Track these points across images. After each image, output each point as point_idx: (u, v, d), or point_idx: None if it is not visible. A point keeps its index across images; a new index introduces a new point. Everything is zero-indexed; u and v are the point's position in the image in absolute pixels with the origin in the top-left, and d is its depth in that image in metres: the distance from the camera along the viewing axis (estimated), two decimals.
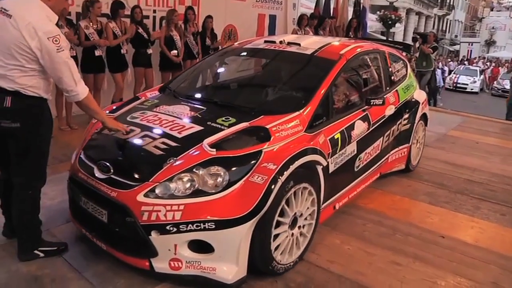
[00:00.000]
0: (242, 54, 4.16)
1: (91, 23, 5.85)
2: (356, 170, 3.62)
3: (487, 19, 51.96)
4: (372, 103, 3.53)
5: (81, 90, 2.58)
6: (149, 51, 6.58)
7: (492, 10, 55.22)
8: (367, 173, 3.91)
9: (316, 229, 3.04)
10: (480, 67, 27.68)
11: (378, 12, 20.50)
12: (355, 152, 3.47)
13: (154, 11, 7.38)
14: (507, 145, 6.99)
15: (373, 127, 3.73)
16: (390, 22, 19.39)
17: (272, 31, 9.17)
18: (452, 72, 24.86)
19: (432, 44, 9.51)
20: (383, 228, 3.56)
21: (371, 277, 2.87)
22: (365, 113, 3.61)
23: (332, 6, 10.89)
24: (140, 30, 6.39)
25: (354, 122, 3.43)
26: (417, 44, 9.67)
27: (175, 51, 6.74)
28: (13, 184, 2.69)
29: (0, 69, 2.46)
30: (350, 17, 10.51)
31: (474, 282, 2.92)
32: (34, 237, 2.79)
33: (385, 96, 4.00)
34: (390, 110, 4.08)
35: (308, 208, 2.86)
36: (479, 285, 2.90)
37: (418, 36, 10.52)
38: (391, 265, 3.04)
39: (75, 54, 5.70)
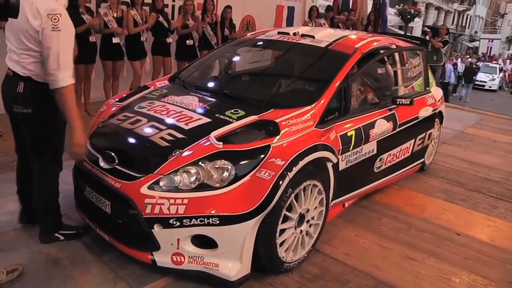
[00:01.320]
0: (255, 45, 4.06)
1: (110, 10, 5.89)
2: (377, 171, 3.54)
3: (510, 15, 50.90)
4: (398, 102, 3.44)
5: (62, 77, 2.40)
6: (169, 40, 6.61)
7: None
8: (392, 175, 3.84)
9: (323, 229, 2.98)
10: (500, 64, 27.21)
11: (397, 6, 20.25)
12: (375, 152, 3.38)
13: (173, 0, 7.40)
14: None
15: (401, 128, 3.63)
16: (409, 17, 19.15)
17: (290, 23, 9.11)
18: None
19: (443, 38, 9.29)
20: (398, 223, 3.55)
21: (386, 271, 2.87)
22: (391, 112, 3.53)
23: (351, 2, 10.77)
24: (161, 19, 6.41)
25: (375, 121, 3.35)
26: (427, 38, 9.46)
27: (190, 41, 6.76)
28: (31, 170, 2.71)
29: (14, 55, 2.46)
30: (369, 10, 10.39)
31: (490, 280, 2.90)
32: (55, 220, 2.83)
33: (424, 96, 4.01)
34: (426, 112, 4.01)
35: (316, 207, 2.79)
36: (495, 284, 2.87)
37: (429, 30, 10.30)
38: (406, 260, 3.03)
39: (95, 40, 5.77)
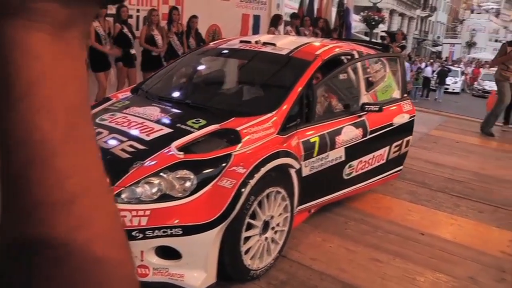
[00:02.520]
0: (217, 54, 4.09)
1: None
2: (347, 178, 3.53)
3: (468, 21, 53.05)
4: (367, 109, 3.46)
5: None
6: (133, 51, 6.56)
7: (472, 12, 56.27)
8: (366, 182, 3.82)
9: (289, 235, 2.98)
10: (461, 68, 28.11)
11: (361, 13, 20.71)
12: (343, 158, 3.38)
13: (138, 10, 7.34)
14: (487, 145, 7.13)
15: (373, 135, 3.63)
16: (373, 23, 19.60)
17: (256, 31, 9.16)
18: (434, 72, 25.21)
19: (400, 43, 9.52)
20: (365, 226, 3.59)
21: (352, 274, 2.90)
22: (360, 119, 3.53)
23: (316, 6, 10.96)
24: (125, 30, 6.36)
25: (342, 127, 3.36)
26: (385, 43, 9.66)
27: (157, 50, 6.73)
28: None
29: None
30: (334, 17, 10.59)
31: (452, 277, 2.98)
32: None
33: (400, 103, 4.00)
34: (401, 119, 3.96)
35: (280, 214, 2.80)
36: (457, 280, 2.95)
37: (386, 35, 10.55)
38: (372, 262, 3.08)
39: None
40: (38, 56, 0.30)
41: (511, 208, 4.34)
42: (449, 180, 4.93)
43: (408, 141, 4.19)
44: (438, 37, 50.35)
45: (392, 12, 31.00)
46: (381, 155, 3.88)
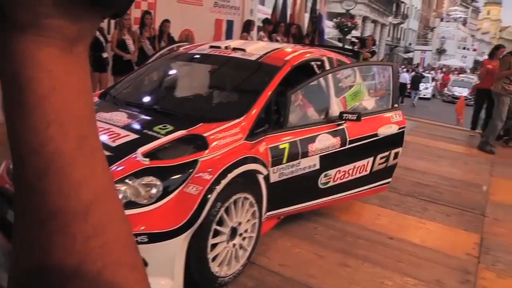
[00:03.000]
0: (186, 59, 4.05)
1: None
2: (323, 187, 3.45)
3: (438, 29, 54.48)
4: (344, 117, 3.37)
5: None
6: (105, 54, 6.45)
7: (442, 20, 57.81)
8: (347, 193, 3.71)
9: (258, 242, 2.96)
10: (432, 74, 28.78)
11: (335, 19, 20.97)
12: (318, 167, 3.32)
13: None
14: (455, 149, 7.30)
15: (353, 145, 3.53)
16: (346, 29, 19.86)
17: (229, 36, 9.16)
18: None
19: (371, 48, 9.63)
20: (334, 231, 3.61)
21: (321, 279, 2.90)
22: (339, 127, 3.46)
23: (289, 12, 11.04)
24: (97, 33, 6.25)
25: (316, 135, 3.30)
26: (355, 48, 9.75)
27: (128, 55, 6.64)
28: None
29: None
30: (306, 23, 10.69)
31: (419, 280, 3.01)
32: None
33: (388, 113, 3.86)
34: (388, 129, 3.81)
35: (248, 220, 2.78)
36: (424, 284, 2.99)
37: (357, 40, 10.67)
38: (341, 267, 3.09)
39: None
40: (49, 70, 0.32)
41: (477, 212, 4.44)
42: (418, 185, 5.01)
43: (397, 153, 3.96)
44: (410, 44, 51.44)
45: (365, 18, 31.51)
46: (363, 166, 3.72)
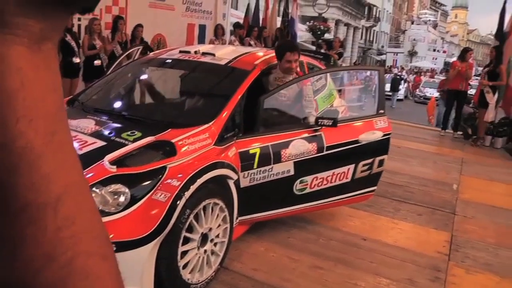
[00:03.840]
0: (156, 64, 4.00)
1: None
2: (298, 193, 3.39)
3: (409, 32, 55.66)
4: (320, 123, 3.30)
5: None
6: (76, 59, 6.35)
7: (413, 23, 59.10)
8: (327, 200, 3.60)
9: (230, 247, 2.95)
10: (404, 75, 29.31)
11: (308, 23, 21.18)
12: (292, 173, 3.26)
13: (79, 19, 7.12)
14: (426, 149, 7.46)
15: (331, 151, 3.43)
16: (319, 33, 20.08)
17: (202, 41, 9.14)
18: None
19: (338, 50, 9.71)
20: (307, 233, 3.61)
21: (294, 282, 2.90)
22: (316, 133, 3.37)
23: (261, 16, 11.09)
24: (68, 38, 6.14)
25: (290, 141, 3.24)
26: (322, 51, 9.81)
27: (98, 61, 6.54)
28: None
29: None
30: (278, 27, 10.76)
31: (391, 280, 3.05)
32: None
33: (372, 119, 3.71)
34: (371, 135, 3.65)
35: (219, 225, 2.76)
36: (396, 283, 3.02)
37: (323, 43, 10.75)
38: (314, 269, 3.09)
39: None
40: (18, 68, 0.32)
41: (448, 210, 4.53)
42: (390, 185, 5.08)
43: (382, 161, 3.77)
44: (382, 46, 52.38)
45: (337, 22, 31.91)
46: (343, 173, 3.59)
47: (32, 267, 0.33)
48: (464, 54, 8.64)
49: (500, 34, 8.79)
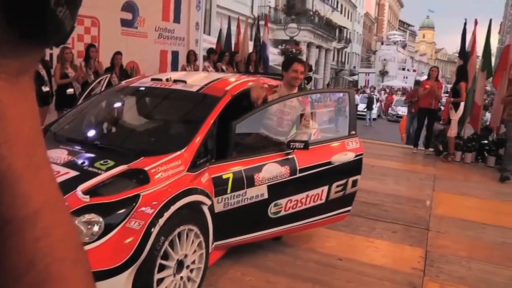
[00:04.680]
0: (128, 93, 4.02)
1: None
2: (273, 216, 3.39)
3: (380, 52, 57.09)
4: (292, 146, 3.32)
5: None
6: (45, 88, 6.30)
7: (382, 44, 60.73)
8: (302, 222, 3.61)
9: (206, 272, 2.93)
10: (376, 95, 29.94)
11: (280, 46, 21.54)
12: (266, 196, 3.28)
13: (51, 48, 7.09)
14: (399, 167, 7.62)
15: (304, 173, 3.47)
16: (291, 55, 20.40)
17: (175, 67, 9.19)
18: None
19: (307, 74, 9.89)
20: (284, 256, 3.63)
21: None
22: (288, 156, 3.40)
23: (233, 41, 11.25)
24: (39, 66, 6.11)
25: (263, 165, 3.26)
26: None
27: (71, 90, 6.50)
28: None
29: None
30: (250, 51, 10.92)
31: None
32: None
33: (344, 140, 3.77)
34: (343, 157, 3.70)
35: (195, 251, 2.76)
36: None
37: None
38: None
39: None
40: None
41: (422, 226, 4.63)
42: (365, 204, 5.15)
43: (355, 181, 3.83)
44: (354, 67, 53.49)
45: (309, 44, 32.49)
46: (318, 194, 3.62)
47: (14, 274, 0.37)
48: (430, 72, 9.00)
49: (463, 54, 9.15)
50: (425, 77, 12.68)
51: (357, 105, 21.41)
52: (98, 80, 4.87)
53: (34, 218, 0.38)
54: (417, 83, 10.30)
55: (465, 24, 9.16)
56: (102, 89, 4.68)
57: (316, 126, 4.66)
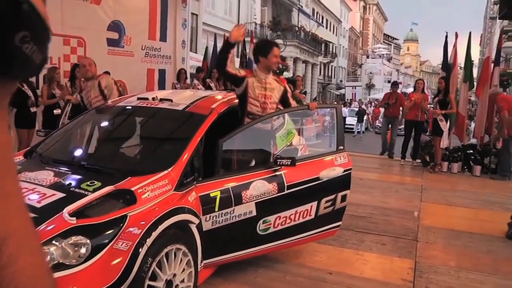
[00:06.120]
0: (114, 112, 4.03)
1: None
2: (262, 233, 3.40)
3: (365, 65, 57.84)
4: (279, 162, 3.34)
5: None
6: (33, 109, 6.29)
7: (368, 57, 61.53)
8: (291, 239, 3.62)
9: None
10: (364, 108, 30.24)
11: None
12: (254, 213, 3.28)
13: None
14: (386, 179, 7.68)
15: (292, 190, 3.47)
16: (278, 71, 20.52)
17: (162, 86, 9.21)
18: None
19: (302, 89, 10.02)
20: (274, 272, 3.62)
21: None
22: (276, 173, 3.41)
23: None
24: (25, 87, 6.11)
25: (250, 182, 3.27)
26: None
27: (58, 110, 6.49)
28: None
29: None
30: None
31: None
32: None
33: (332, 156, 3.78)
34: (331, 172, 3.71)
35: (184, 269, 2.76)
36: None
37: (288, 83, 11.01)
38: None
39: None
40: None
41: (410, 237, 4.66)
42: (353, 217, 5.18)
43: (344, 196, 3.83)
44: (341, 81, 54.04)
45: (296, 60, 32.79)
46: (307, 210, 3.62)
47: None
48: (415, 85, 9.16)
49: (446, 66, 9.33)
50: (411, 89, 12.84)
51: (345, 117, 21.90)
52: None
53: (0, 247, 0.40)
54: (394, 84, 10.33)
55: (446, 37, 9.36)
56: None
57: (303, 141, 4.72)
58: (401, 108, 9.68)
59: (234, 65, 3.69)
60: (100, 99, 4.79)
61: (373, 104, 34.71)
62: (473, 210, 6.06)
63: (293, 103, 3.89)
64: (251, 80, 3.61)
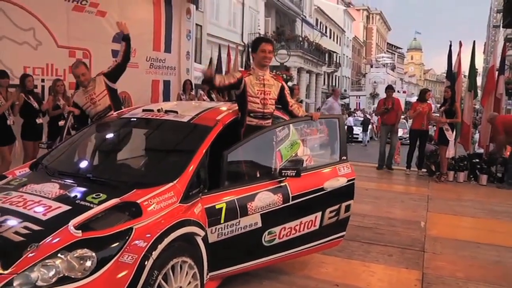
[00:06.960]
0: (119, 124, 4.03)
1: None
2: (268, 245, 3.38)
3: (369, 75, 57.88)
4: (283, 174, 3.32)
5: None
6: (39, 121, 6.33)
7: (372, 67, 61.61)
8: (296, 249, 3.61)
9: None
10: (368, 117, 30.22)
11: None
12: (260, 225, 3.27)
13: (43, 80, 7.14)
14: (392, 189, 7.65)
15: (297, 200, 3.46)
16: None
17: (167, 97, 9.24)
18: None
19: (298, 98, 10.03)
20: (279, 284, 3.60)
21: None
22: (281, 184, 3.40)
23: (224, 69, 11.37)
24: (31, 100, 6.15)
25: (256, 194, 3.26)
26: None
27: (62, 121, 6.52)
28: None
29: None
30: None
31: None
32: None
33: (335, 166, 3.79)
34: (335, 182, 3.73)
35: (190, 282, 2.73)
36: None
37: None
38: None
39: None
40: None
41: (417, 248, 4.62)
42: (360, 228, 5.15)
43: (348, 206, 3.84)
44: (345, 90, 54.05)
45: (300, 70, 32.90)
46: (311, 221, 3.62)
47: None
48: (423, 95, 9.12)
49: (450, 75, 9.32)
50: (415, 97, 12.82)
51: (351, 126, 21.99)
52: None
53: None
54: (389, 87, 10.27)
55: (450, 46, 9.36)
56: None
57: (308, 152, 4.71)
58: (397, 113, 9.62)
59: (222, 76, 3.77)
60: (106, 93, 4.78)
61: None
62: (480, 219, 6.01)
63: (290, 100, 3.92)
64: (248, 79, 3.65)
